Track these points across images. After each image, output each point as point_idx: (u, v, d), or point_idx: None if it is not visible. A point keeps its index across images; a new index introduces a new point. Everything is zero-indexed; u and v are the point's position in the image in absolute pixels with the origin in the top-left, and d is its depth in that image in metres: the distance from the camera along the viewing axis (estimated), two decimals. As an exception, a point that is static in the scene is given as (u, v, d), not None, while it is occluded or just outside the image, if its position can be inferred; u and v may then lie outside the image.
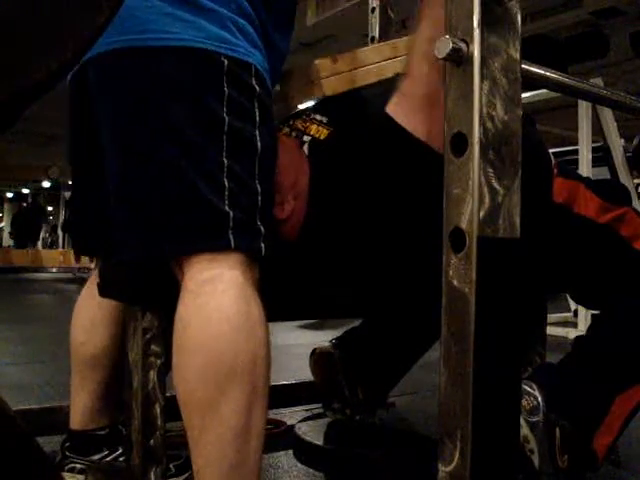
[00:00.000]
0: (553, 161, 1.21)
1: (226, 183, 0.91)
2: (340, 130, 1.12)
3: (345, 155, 1.07)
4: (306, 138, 1.14)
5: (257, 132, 0.95)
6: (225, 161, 0.92)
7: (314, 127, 1.15)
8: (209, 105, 0.93)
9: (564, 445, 1.06)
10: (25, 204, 15.70)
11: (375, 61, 1.30)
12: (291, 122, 1.22)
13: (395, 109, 1.03)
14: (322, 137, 1.12)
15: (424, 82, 0.99)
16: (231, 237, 0.90)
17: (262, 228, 0.93)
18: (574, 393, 1.11)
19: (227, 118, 0.93)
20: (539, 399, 1.07)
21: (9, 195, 17.72)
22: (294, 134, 1.17)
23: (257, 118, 0.96)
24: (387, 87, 1.23)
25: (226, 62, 0.94)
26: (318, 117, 1.17)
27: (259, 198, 0.94)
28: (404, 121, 1.01)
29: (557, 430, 1.06)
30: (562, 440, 1.06)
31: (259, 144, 0.95)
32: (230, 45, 0.95)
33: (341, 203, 1.06)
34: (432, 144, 0.96)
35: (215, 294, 0.89)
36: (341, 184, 1.06)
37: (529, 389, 1.08)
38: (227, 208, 0.90)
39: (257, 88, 0.97)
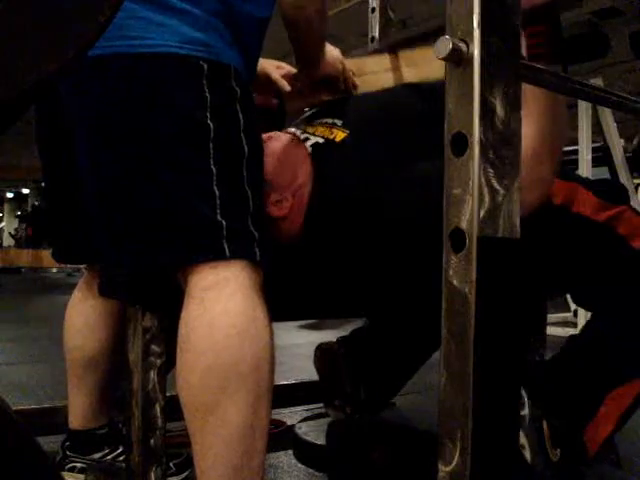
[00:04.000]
0: None
1: (216, 191, 0.90)
2: (361, 133, 1.11)
3: (368, 157, 1.07)
4: (318, 140, 1.14)
5: (243, 135, 0.94)
6: (214, 169, 0.90)
7: (327, 130, 1.14)
8: (193, 113, 0.91)
9: (554, 438, 1.06)
10: (36, 203, 15.55)
11: (373, 71, 1.30)
12: (301, 127, 1.22)
13: None
14: (337, 139, 1.12)
15: None
16: (226, 246, 0.89)
17: (255, 233, 0.92)
18: (562, 388, 1.12)
19: (212, 124, 0.91)
20: (523, 394, 1.07)
21: (9, 195, 17.73)
22: (303, 137, 1.16)
23: (241, 121, 0.94)
24: (393, 92, 1.24)
25: (205, 66, 0.92)
26: (330, 120, 1.17)
27: (250, 202, 0.93)
28: None
29: (545, 424, 1.06)
30: (551, 433, 1.06)
31: (246, 148, 0.94)
32: (207, 47, 0.93)
33: (358, 204, 1.05)
34: None
35: (220, 299, 0.88)
36: (357, 184, 1.06)
37: None
38: (219, 217, 0.89)
39: (238, 90, 0.95)
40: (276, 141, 1.13)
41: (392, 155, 1.07)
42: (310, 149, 1.12)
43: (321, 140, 1.13)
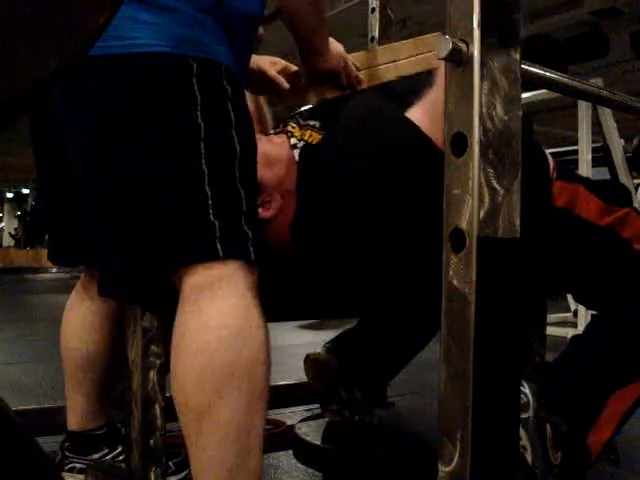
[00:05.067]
0: (552, 164, 1.20)
1: (208, 191, 0.89)
2: (334, 133, 1.11)
3: (343, 156, 1.07)
4: (297, 142, 1.14)
5: (234, 134, 0.93)
6: (205, 169, 0.89)
7: (307, 132, 1.15)
8: (183, 113, 0.90)
9: (556, 442, 1.06)
10: (34, 202, 15.58)
11: (378, 63, 1.29)
12: (283, 125, 1.22)
13: (419, 112, 1.04)
14: (314, 142, 1.12)
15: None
16: (219, 247, 0.88)
17: (249, 232, 0.92)
18: (566, 391, 1.12)
19: (202, 124, 0.90)
20: (529, 396, 1.07)
21: (9, 195, 17.72)
22: (293, 141, 1.17)
23: (233, 120, 0.93)
24: (378, 92, 1.24)
25: (195, 65, 0.91)
26: (311, 122, 1.17)
27: (243, 202, 0.93)
28: (424, 126, 1.02)
29: (548, 427, 1.06)
30: (554, 436, 1.06)
31: (238, 146, 0.93)
32: (197, 45, 0.92)
33: (337, 204, 1.06)
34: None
35: (214, 300, 0.88)
36: (337, 184, 1.06)
37: None
38: (212, 218, 0.89)
39: (229, 88, 0.94)
40: (267, 143, 1.12)
41: (361, 155, 1.07)
42: (297, 154, 1.13)
43: (302, 143, 1.13)
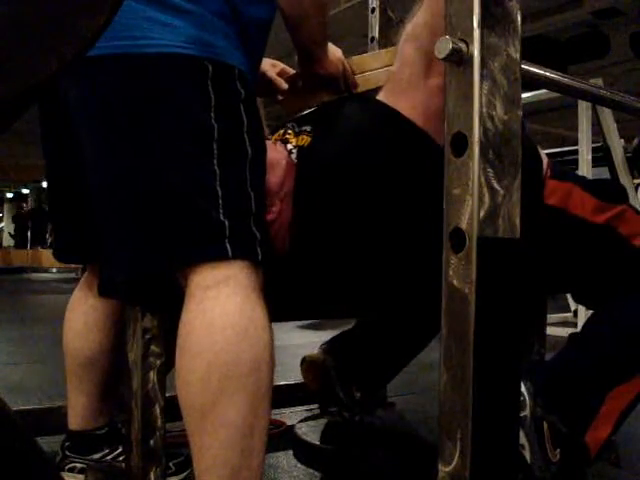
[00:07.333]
0: (546, 163, 1.21)
1: (219, 191, 0.90)
2: (320, 132, 1.12)
3: (330, 151, 1.08)
4: (293, 148, 1.15)
5: (246, 137, 0.94)
6: (217, 169, 0.91)
7: (301, 137, 1.15)
8: (197, 113, 0.91)
9: (554, 439, 1.06)
10: (26, 204, 15.69)
11: (374, 68, 1.30)
12: (282, 133, 1.23)
13: (385, 93, 1.04)
14: (305, 144, 1.13)
15: (409, 64, 1.00)
16: (228, 246, 0.89)
17: (257, 233, 0.93)
18: (564, 388, 1.12)
19: (216, 125, 0.91)
20: (525, 394, 1.07)
21: (9, 195, 17.74)
22: (289, 147, 1.17)
23: (245, 122, 0.95)
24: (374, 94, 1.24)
25: (210, 67, 0.92)
26: (304, 128, 1.18)
27: (252, 203, 0.94)
28: (392, 102, 1.02)
29: (545, 425, 1.06)
30: (551, 434, 1.06)
31: (249, 149, 0.94)
32: (212, 48, 0.93)
33: (328, 202, 1.06)
34: (418, 124, 0.99)
35: (219, 299, 0.88)
36: (328, 181, 1.07)
37: None
38: (222, 217, 0.90)
39: (242, 91, 0.96)
40: (267, 148, 1.13)
41: (340, 157, 1.08)
42: (295, 159, 1.13)
43: (297, 148, 1.14)
